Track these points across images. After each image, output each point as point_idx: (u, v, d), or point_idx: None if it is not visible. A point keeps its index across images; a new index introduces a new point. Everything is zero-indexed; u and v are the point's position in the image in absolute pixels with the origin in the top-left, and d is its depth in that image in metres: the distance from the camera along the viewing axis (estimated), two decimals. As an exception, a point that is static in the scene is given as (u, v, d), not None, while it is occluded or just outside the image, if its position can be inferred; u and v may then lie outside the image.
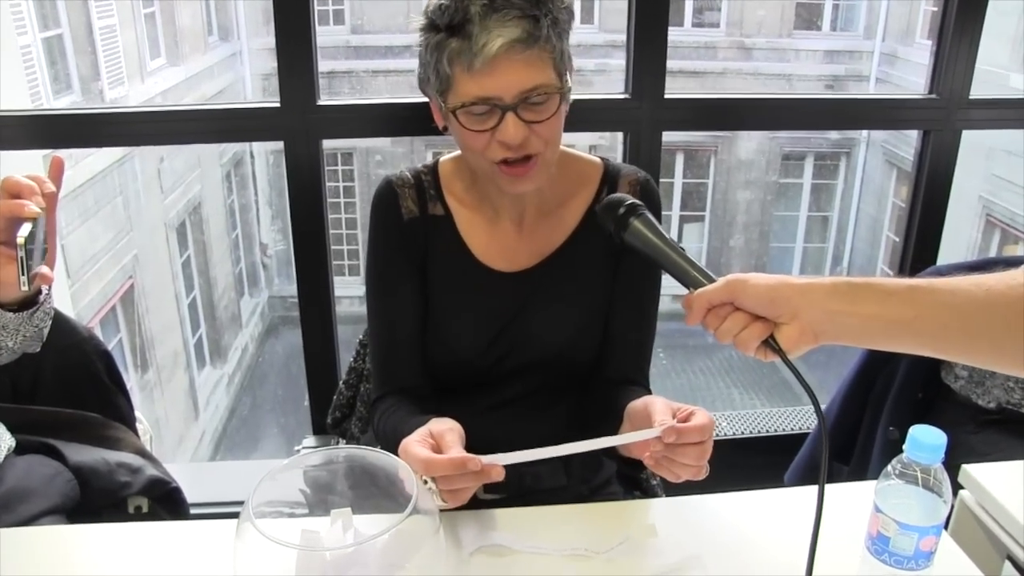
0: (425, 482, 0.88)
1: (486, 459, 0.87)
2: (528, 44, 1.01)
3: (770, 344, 0.84)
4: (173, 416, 7.91)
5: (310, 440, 1.97)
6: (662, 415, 0.94)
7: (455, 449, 0.90)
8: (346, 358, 1.55)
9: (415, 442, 0.92)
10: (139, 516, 1.30)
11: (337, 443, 1.53)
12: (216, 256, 9.48)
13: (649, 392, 1.23)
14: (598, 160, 1.25)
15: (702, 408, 0.94)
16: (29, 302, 1.07)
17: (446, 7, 1.02)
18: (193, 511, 1.42)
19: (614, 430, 1.04)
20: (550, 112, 1.06)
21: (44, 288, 1.07)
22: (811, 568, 0.82)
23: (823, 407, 1.78)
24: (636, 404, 1.03)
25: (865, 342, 0.84)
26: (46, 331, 1.13)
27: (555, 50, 1.05)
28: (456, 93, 1.05)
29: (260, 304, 10.85)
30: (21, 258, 0.96)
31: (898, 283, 0.81)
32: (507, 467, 0.90)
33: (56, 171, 1.05)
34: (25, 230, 0.96)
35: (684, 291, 0.92)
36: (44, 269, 1.01)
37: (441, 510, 0.90)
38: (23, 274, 0.97)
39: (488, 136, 1.06)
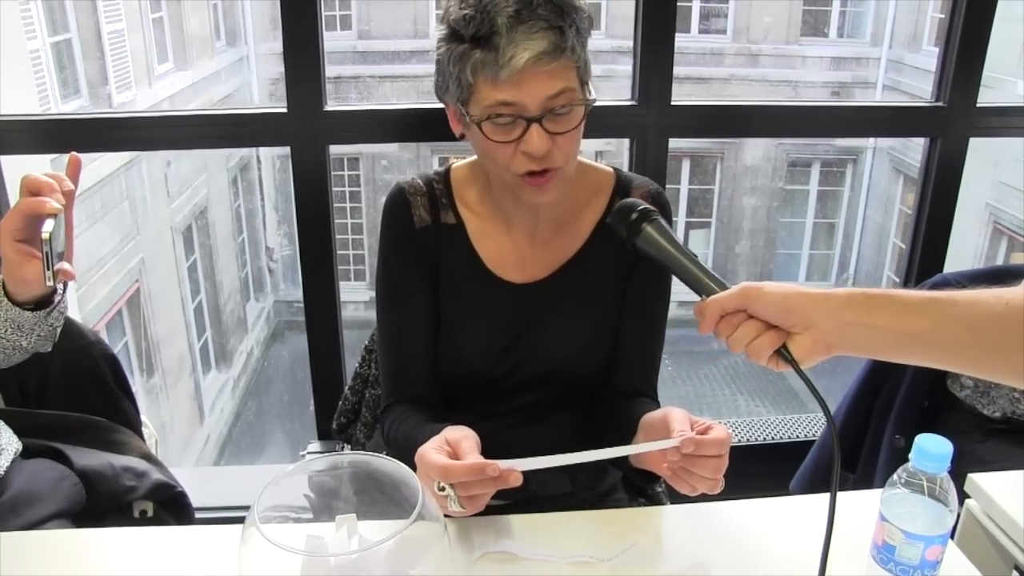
0: (443, 488, 0.88)
1: (504, 464, 0.88)
2: (555, 56, 1.01)
3: (783, 354, 0.83)
4: (178, 420, 7.92)
5: (315, 445, 1.96)
6: (681, 425, 0.94)
7: (472, 456, 0.90)
8: (351, 363, 1.55)
9: (432, 449, 0.92)
10: (144, 520, 1.30)
11: (342, 448, 1.53)
12: (222, 260, 9.50)
13: (657, 403, 1.23)
14: (610, 170, 1.24)
15: (720, 424, 0.94)
16: (45, 301, 1.08)
17: (471, 17, 1.01)
18: (198, 516, 1.42)
19: (623, 440, 1.04)
20: (574, 123, 1.06)
21: (59, 288, 1.08)
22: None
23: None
24: (654, 415, 1.02)
25: (879, 354, 0.83)
26: (59, 330, 1.14)
27: (579, 60, 1.05)
28: (478, 102, 1.04)
29: (266, 308, 10.87)
30: (46, 253, 0.98)
31: (916, 295, 0.80)
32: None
33: (73, 169, 1.06)
34: (49, 226, 0.98)
35: (690, 297, 0.92)
36: (66, 265, 1.03)
37: (456, 515, 0.90)
38: (48, 269, 0.99)
39: (512, 148, 1.05)
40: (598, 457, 0.90)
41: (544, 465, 0.88)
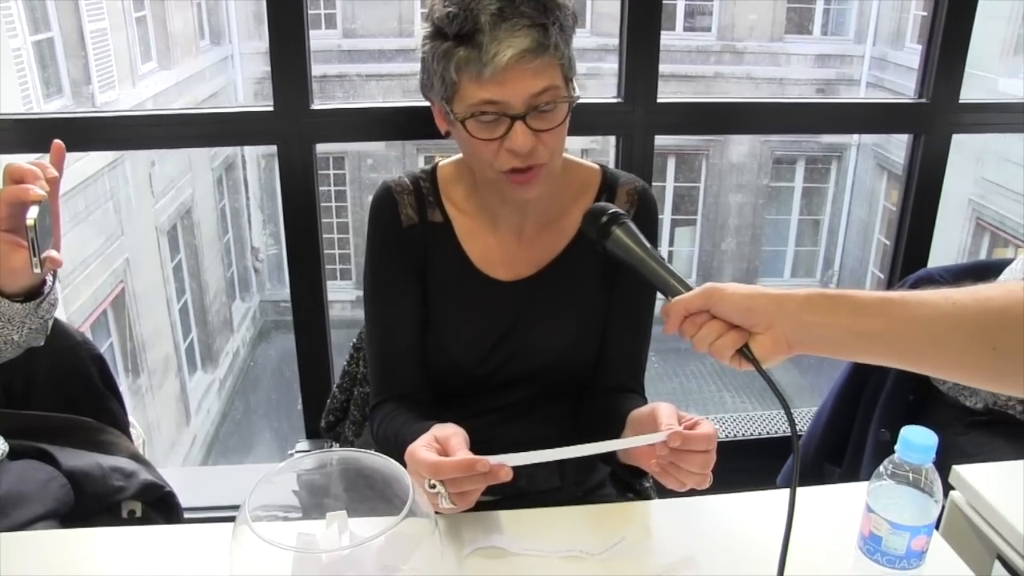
0: (433, 486, 0.88)
1: (494, 460, 0.88)
2: (538, 53, 1.01)
3: (744, 353, 0.85)
4: (164, 421, 7.88)
5: (303, 444, 1.96)
6: (668, 419, 0.95)
7: (462, 452, 0.90)
8: (339, 362, 1.55)
9: (421, 447, 0.92)
10: (132, 521, 1.30)
11: (331, 447, 1.53)
12: (208, 260, 9.46)
13: (645, 399, 1.23)
14: (597, 167, 1.25)
15: (707, 420, 0.95)
16: (35, 293, 1.07)
17: (455, 15, 1.01)
18: (186, 516, 1.41)
19: (611, 436, 1.04)
20: (558, 120, 1.06)
21: (49, 279, 1.07)
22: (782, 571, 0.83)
23: (815, 409, 1.80)
24: (641, 410, 1.03)
25: (838, 353, 0.85)
26: (50, 323, 1.13)
27: (563, 57, 1.05)
28: (462, 100, 1.05)
29: (252, 308, 10.83)
30: (32, 239, 0.97)
31: (872, 296, 0.82)
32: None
33: (57, 156, 1.05)
34: (33, 212, 0.97)
35: (677, 296, 0.93)
36: (53, 253, 1.02)
37: (447, 512, 0.90)
38: (34, 255, 0.98)
39: (497, 145, 1.06)
40: (586, 452, 0.90)
41: (533, 460, 0.89)
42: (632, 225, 0.98)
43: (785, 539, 0.83)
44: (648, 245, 0.97)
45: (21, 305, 1.05)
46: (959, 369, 0.81)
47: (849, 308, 0.82)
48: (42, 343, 1.15)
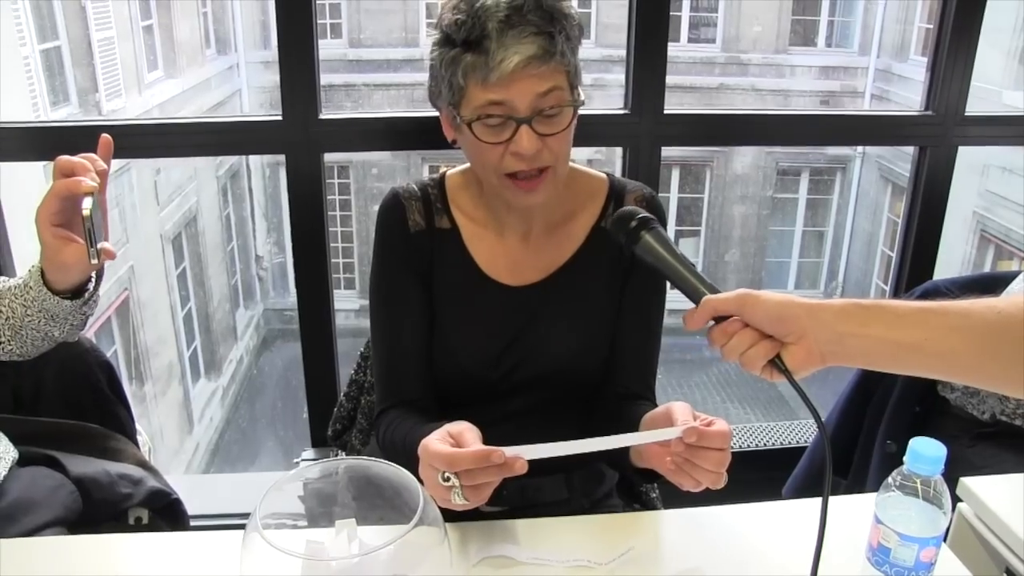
0: (447, 479, 0.88)
1: (509, 451, 0.87)
2: (544, 60, 1.03)
3: (776, 364, 0.84)
4: (167, 429, 7.88)
5: (309, 453, 1.97)
6: (684, 416, 0.95)
7: (476, 444, 0.89)
8: (344, 371, 1.55)
9: (435, 440, 0.91)
10: (139, 528, 1.30)
11: (337, 455, 1.53)
12: (212, 268, 9.48)
13: (655, 405, 1.23)
14: (604, 175, 1.26)
15: (722, 419, 0.95)
16: (81, 290, 1.08)
17: (462, 22, 1.03)
18: (192, 523, 1.41)
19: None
20: (563, 125, 1.08)
21: (92, 276, 1.08)
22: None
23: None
24: (656, 411, 1.03)
25: (874, 364, 0.83)
26: (91, 319, 1.15)
27: (569, 64, 1.07)
28: (469, 104, 1.06)
29: (255, 317, 10.84)
30: (88, 230, 0.98)
31: (909, 306, 0.80)
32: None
33: (105, 150, 1.06)
34: (88, 203, 0.98)
35: (682, 305, 0.93)
36: (107, 245, 1.03)
37: (460, 508, 0.90)
38: (91, 246, 0.99)
39: (502, 148, 1.07)
40: (602, 446, 0.89)
41: (549, 453, 0.88)
42: (662, 230, 0.97)
43: (817, 549, 0.82)
44: (678, 251, 0.95)
45: (70, 302, 1.07)
46: (1005, 379, 0.78)
47: (886, 319, 0.80)
48: (76, 339, 1.17)
